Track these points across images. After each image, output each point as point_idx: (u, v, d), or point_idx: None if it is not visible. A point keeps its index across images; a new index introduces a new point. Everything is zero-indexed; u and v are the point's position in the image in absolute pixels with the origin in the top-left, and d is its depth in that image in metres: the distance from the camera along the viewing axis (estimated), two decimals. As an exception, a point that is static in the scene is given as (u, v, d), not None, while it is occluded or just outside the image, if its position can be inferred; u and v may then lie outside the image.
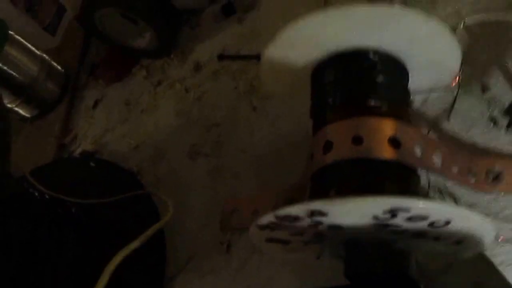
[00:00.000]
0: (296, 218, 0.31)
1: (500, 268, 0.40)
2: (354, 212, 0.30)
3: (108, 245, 0.52)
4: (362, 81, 0.37)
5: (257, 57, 0.58)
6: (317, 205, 0.30)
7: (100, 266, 0.50)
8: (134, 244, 0.38)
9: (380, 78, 0.37)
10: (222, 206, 0.51)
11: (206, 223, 0.51)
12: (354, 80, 0.37)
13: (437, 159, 0.38)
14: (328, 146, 0.35)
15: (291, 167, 0.50)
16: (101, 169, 0.58)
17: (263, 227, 0.34)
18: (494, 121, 0.44)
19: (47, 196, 0.47)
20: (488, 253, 0.40)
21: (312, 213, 0.30)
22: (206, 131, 0.57)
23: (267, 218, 0.32)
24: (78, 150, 0.62)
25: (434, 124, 0.46)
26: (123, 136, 0.61)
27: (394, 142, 0.34)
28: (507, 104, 0.43)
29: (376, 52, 0.37)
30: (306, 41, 0.37)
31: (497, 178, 0.42)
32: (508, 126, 0.43)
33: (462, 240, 0.34)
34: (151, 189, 0.55)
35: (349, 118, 0.35)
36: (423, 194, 0.39)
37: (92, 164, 0.58)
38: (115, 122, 0.63)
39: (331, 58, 0.38)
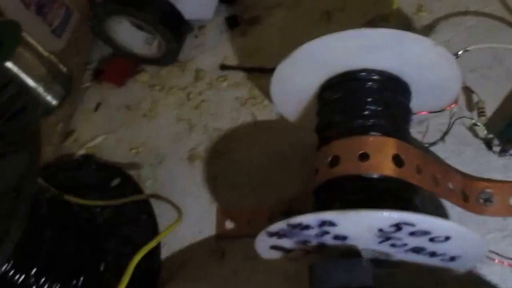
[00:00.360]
0: (306, 227, 0.33)
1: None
2: (363, 224, 0.32)
3: (104, 244, 0.53)
4: (369, 100, 0.38)
5: (259, 70, 0.60)
6: (329, 215, 0.31)
7: (97, 263, 0.51)
8: (153, 243, 0.39)
9: (385, 98, 0.39)
10: (218, 214, 0.52)
11: (201, 229, 0.52)
12: (361, 99, 0.38)
13: (434, 179, 0.39)
14: (334, 161, 0.37)
15: (287, 180, 0.51)
16: (102, 172, 0.58)
17: (272, 234, 0.35)
18: (488, 145, 0.46)
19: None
20: (477, 272, 0.42)
21: (323, 223, 0.32)
22: (206, 139, 0.58)
23: (279, 225, 0.34)
24: (80, 152, 0.62)
25: (430, 145, 0.48)
26: (124, 139, 0.62)
27: (397, 160, 0.36)
28: (501, 130, 0.45)
29: (382, 73, 0.39)
30: (317, 60, 0.39)
31: (488, 200, 0.44)
32: (501, 152, 0.45)
33: (457, 257, 0.36)
34: (151, 193, 0.56)
35: (356, 135, 0.37)
36: (423, 210, 0.40)
37: (93, 166, 0.58)
38: (116, 125, 0.63)
39: (339, 76, 0.40)
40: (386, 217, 0.31)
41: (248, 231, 0.49)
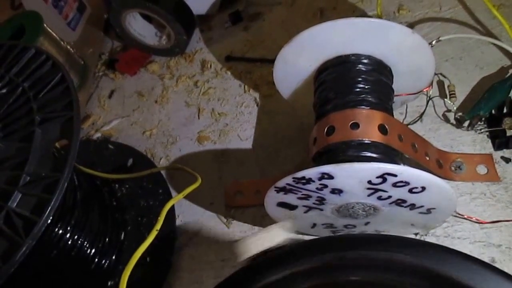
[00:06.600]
0: (308, 180, 0.40)
1: None
2: (355, 176, 0.39)
3: (124, 216, 0.59)
4: (359, 80, 0.46)
5: (261, 60, 0.67)
6: (327, 168, 0.38)
7: (117, 231, 0.57)
8: (180, 196, 0.45)
9: (372, 78, 0.46)
10: (226, 186, 0.58)
11: (212, 201, 0.59)
12: (352, 79, 0.46)
13: (413, 147, 0.47)
14: (330, 130, 0.44)
15: (288, 155, 0.59)
16: (119, 151, 0.64)
17: (279, 190, 0.42)
18: (458, 122, 0.54)
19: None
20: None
21: (322, 176, 0.39)
22: (213, 121, 0.64)
23: (285, 180, 0.41)
24: (95, 135, 0.68)
25: (410, 124, 0.55)
26: (137, 123, 0.68)
27: (383, 129, 0.43)
28: (469, 109, 0.53)
29: (370, 58, 0.46)
30: (316, 45, 0.46)
31: (458, 168, 0.52)
32: (469, 126, 0.53)
33: (433, 209, 0.43)
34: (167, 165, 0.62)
35: (348, 108, 0.44)
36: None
37: (110, 146, 0.64)
38: (129, 111, 0.69)
39: (334, 60, 0.47)
40: (374, 168, 0.38)
41: (255, 201, 0.56)
